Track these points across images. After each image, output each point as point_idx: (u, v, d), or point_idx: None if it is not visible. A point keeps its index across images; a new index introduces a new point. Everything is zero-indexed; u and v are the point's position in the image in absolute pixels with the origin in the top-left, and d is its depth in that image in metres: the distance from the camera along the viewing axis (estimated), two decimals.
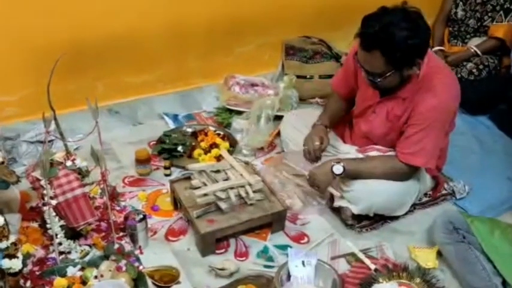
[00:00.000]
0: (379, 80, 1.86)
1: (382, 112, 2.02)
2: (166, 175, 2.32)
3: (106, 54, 2.50)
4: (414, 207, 2.19)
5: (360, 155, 2.10)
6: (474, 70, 2.88)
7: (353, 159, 2.04)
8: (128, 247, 1.91)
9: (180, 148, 2.45)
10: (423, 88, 1.89)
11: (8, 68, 2.32)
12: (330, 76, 2.82)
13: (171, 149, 2.44)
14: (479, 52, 2.91)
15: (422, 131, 1.90)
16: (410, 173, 2.00)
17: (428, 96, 1.87)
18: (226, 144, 2.49)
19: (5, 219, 1.56)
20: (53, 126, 1.90)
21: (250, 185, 1.99)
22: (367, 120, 2.10)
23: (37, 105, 2.32)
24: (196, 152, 2.43)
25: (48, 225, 1.81)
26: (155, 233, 2.02)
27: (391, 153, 2.04)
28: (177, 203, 2.12)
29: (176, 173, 2.34)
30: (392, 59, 1.79)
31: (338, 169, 1.97)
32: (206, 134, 2.56)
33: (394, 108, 1.98)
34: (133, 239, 1.92)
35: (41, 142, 2.35)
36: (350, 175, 1.99)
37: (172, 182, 2.12)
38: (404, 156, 1.94)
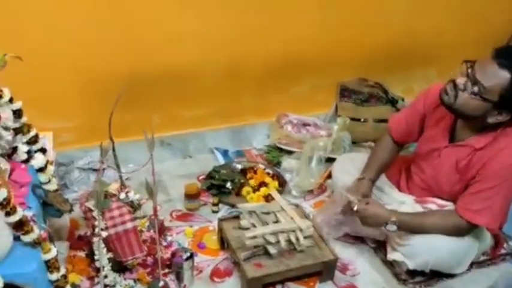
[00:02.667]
0: (470, 91, 1.72)
1: (450, 160, 1.93)
2: (214, 212, 2.30)
3: (163, 87, 2.52)
4: (471, 265, 2.06)
5: (418, 206, 2.02)
6: None
7: (409, 214, 1.94)
8: (172, 285, 1.87)
9: (228, 185, 2.43)
10: (499, 143, 1.80)
11: (68, 95, 2.36)
12: (384, 120, 2.71)
13: (220, 185, 2.42)
14: None
15: (492, 189, 1.80)
16: (469, 230, 1.89)
17: (504, 152, 1.78)
18: (275, 183, 2.45)
19: (57, 251, 1.55)
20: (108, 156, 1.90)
21: (301, 230, 1.93)
22: (432, 164, 2.00)
23: (91, 133, 2.37)
24: (244, 190, 2.40)
25: (96, 257, 1.80)
26: (200, 271, 1.98)
27: (450, 207, 1.95)
28: (224, 242, 2.08)
29: (224, 210, 2.31)
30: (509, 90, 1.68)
31: (391, 228, 1.89)
32: (255, 172, 2.53)
33: (464, 159, 1.88)
34: (179, 277, 1.88)
35: (94, 170, 2.37)
36: (405, 231, 1.91)
37: (220, 220, 2.08)
38: (468, 213, 1.84)
